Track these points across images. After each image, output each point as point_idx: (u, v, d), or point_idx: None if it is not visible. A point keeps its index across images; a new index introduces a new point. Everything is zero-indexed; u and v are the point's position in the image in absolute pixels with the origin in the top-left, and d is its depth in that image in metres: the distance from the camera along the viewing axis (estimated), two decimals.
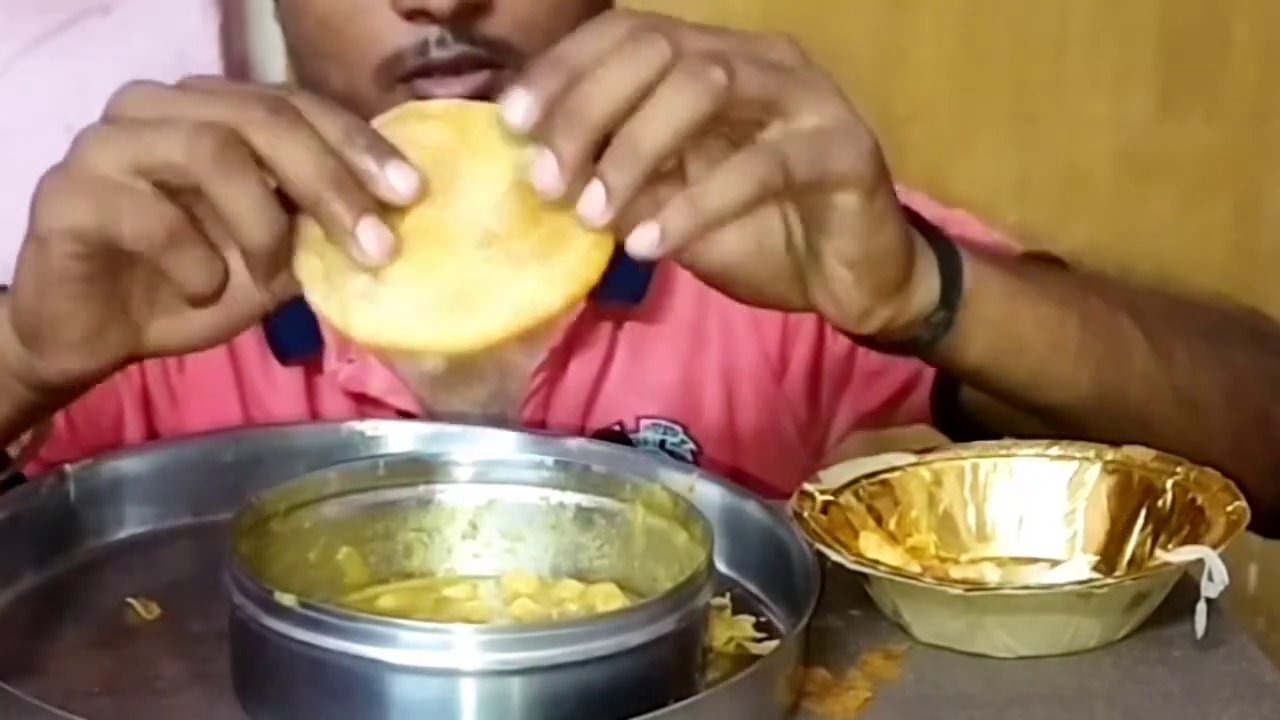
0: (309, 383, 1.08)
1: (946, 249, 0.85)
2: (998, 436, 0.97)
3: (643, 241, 0.74)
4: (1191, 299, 1.05)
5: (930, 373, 1.13)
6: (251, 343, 1.07)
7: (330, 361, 1.07)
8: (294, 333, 1.06)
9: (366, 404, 1.06)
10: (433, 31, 0.96)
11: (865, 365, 1.14)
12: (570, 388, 1.08)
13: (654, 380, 1.10)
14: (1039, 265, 1.06)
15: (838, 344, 1.13)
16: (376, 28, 0.97)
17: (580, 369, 1.09)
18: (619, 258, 1.02)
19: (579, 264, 0.75)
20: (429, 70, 0.96)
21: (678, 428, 1.10)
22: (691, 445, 1.10)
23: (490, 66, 0.97)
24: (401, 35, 0.96)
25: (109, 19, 1.75)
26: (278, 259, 0.73)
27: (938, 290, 0.84)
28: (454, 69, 0.96)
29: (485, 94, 0.95)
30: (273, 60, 1.89)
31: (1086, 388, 0.92)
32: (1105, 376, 0.92)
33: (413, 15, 0.96)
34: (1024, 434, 0.94)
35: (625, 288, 1.08)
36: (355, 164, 0.72)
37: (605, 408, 1.09)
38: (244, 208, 0.71)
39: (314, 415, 1.07)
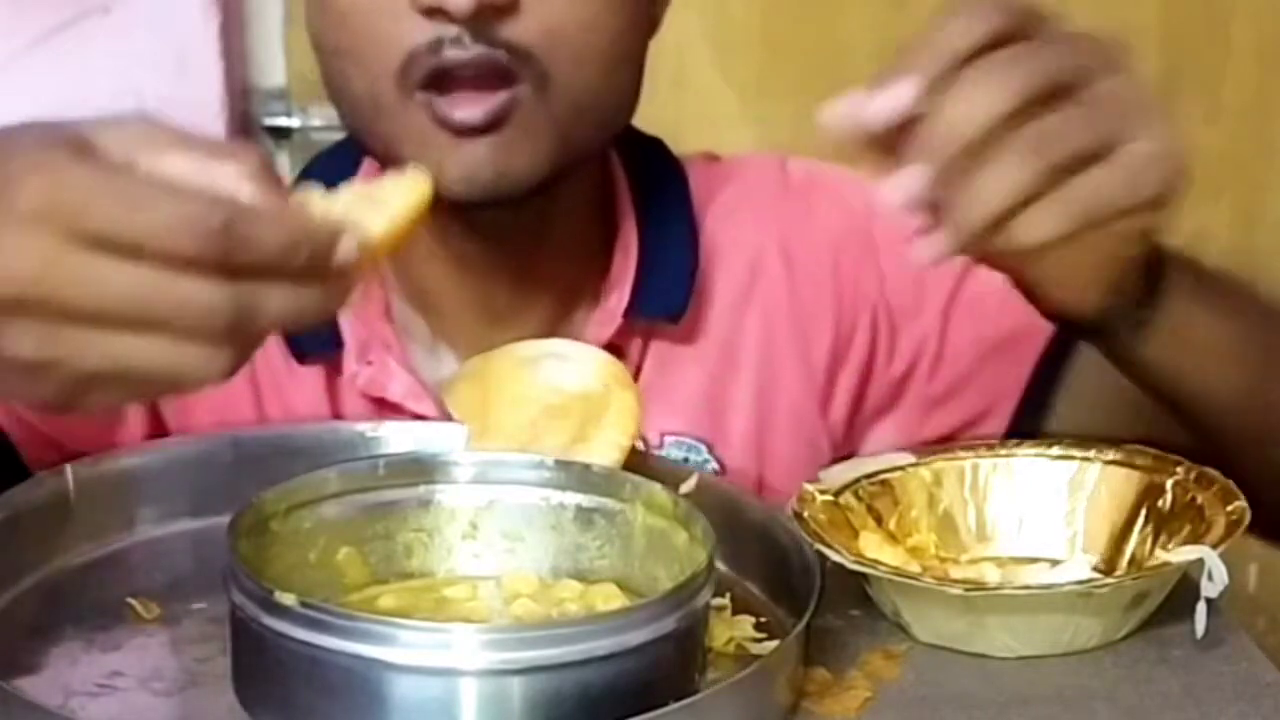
0: (330, 383, 1.05)
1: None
2: None
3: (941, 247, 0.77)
4: None
5: (1008, 405, 1.10)
6: (270, 340, 1.05)
7: (350, 364, 1.04)
8: (316, 338, 1.04)
9: (386, 409, 1.04)
10: (450, 30, 0.93)
11: (925, 394, 1.11)
12: None
13: (680, 396, 1.08)
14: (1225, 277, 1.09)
15: (889, 372, 1.10)
16: (397, 27, 0.95)
17: None
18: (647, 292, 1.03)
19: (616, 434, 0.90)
20: (444, 75, 0.94)
21: (702, 445, 1.07)
22: (714, 464, 1.07)
23: (508, 80, 0.94)
24: (419, 33, 0.94)
25: (109, 19, 1.76)
26: None
27: (1143, 288, 0.89)
28: (472, 82, 0.94)
29: (504, 116, 0.94)
30: (273, 60, 1.89)
31: (1244, 401, 0.93)
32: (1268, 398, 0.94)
33: (431, 13, 0.93)
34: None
35: (665, 306, 1.07)
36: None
37: None
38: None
39: (335, 416, 1.05)
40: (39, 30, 1.74)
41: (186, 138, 0.71)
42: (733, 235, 1.11)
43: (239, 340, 0.70)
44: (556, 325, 1.06)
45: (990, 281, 1.10)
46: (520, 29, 0.94)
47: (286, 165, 1.85)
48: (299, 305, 0.71)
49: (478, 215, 1.00)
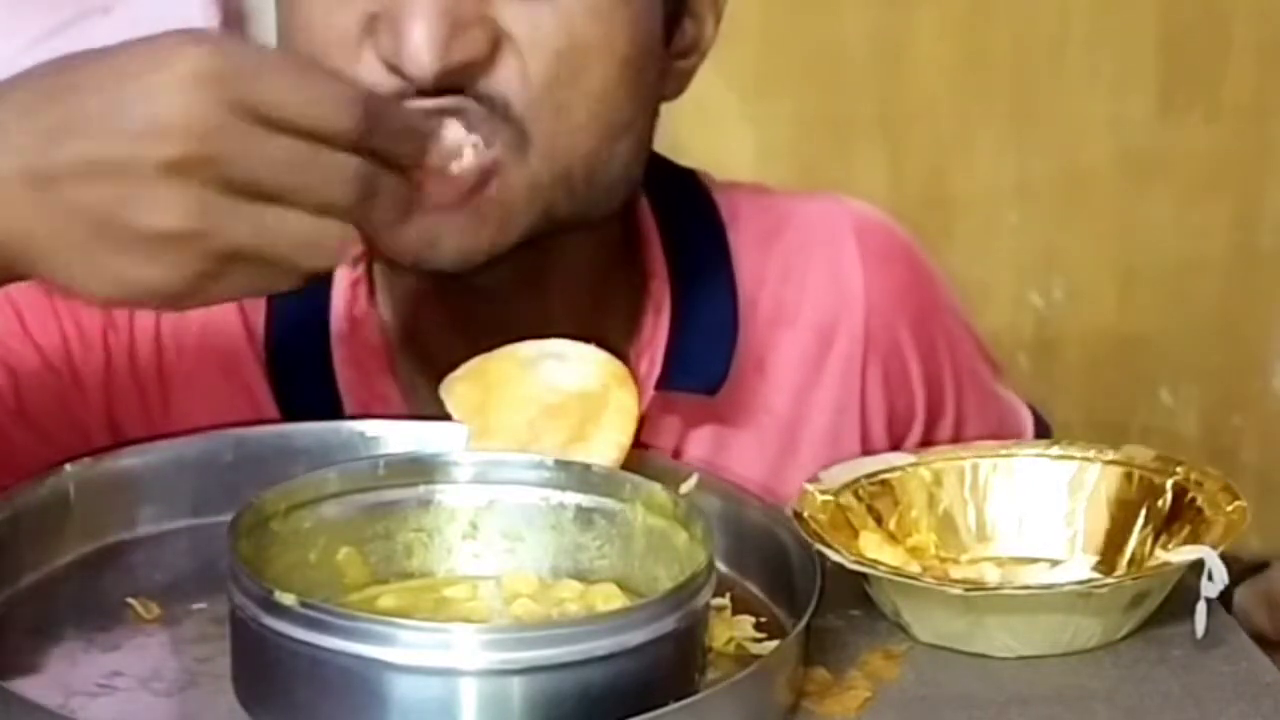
0: None
1: None
2: None
3: None
4: None
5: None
6: (265, 400, 1.00)
7: None
8: (313, 401, 0.99)
9: None
10: (411, 85, 0.85)
11: None
12: None
13: (733, 477, 0.97)
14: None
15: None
16: (355, 68, 0.86)
17: None
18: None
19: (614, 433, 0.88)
20: None
21: None
22: None
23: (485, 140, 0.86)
24: (382, 81, 0.85)
25: (109, 19, 1.76)
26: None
27: None
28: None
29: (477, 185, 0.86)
30: None
31: None
32: None
33: (393, 70, 0.85)
34: None
35: (696, 376, 0.99)
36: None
37: None
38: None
39: None
40: (39, 30, 1.74)
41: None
42: (797, 296, 1.04)
43: (359, 219, 0.74)
44: None
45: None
46: (495, 82, 0.86)
47: None
48: (406, 196, 0.76)
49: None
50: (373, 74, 0.86)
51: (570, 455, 0.87)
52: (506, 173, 0.87)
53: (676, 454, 1.01)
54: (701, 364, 1.00)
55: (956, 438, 1.09)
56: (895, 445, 1.06)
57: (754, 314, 1.02)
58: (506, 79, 0.86)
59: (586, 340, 0.93)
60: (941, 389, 1.09)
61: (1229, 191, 2.04)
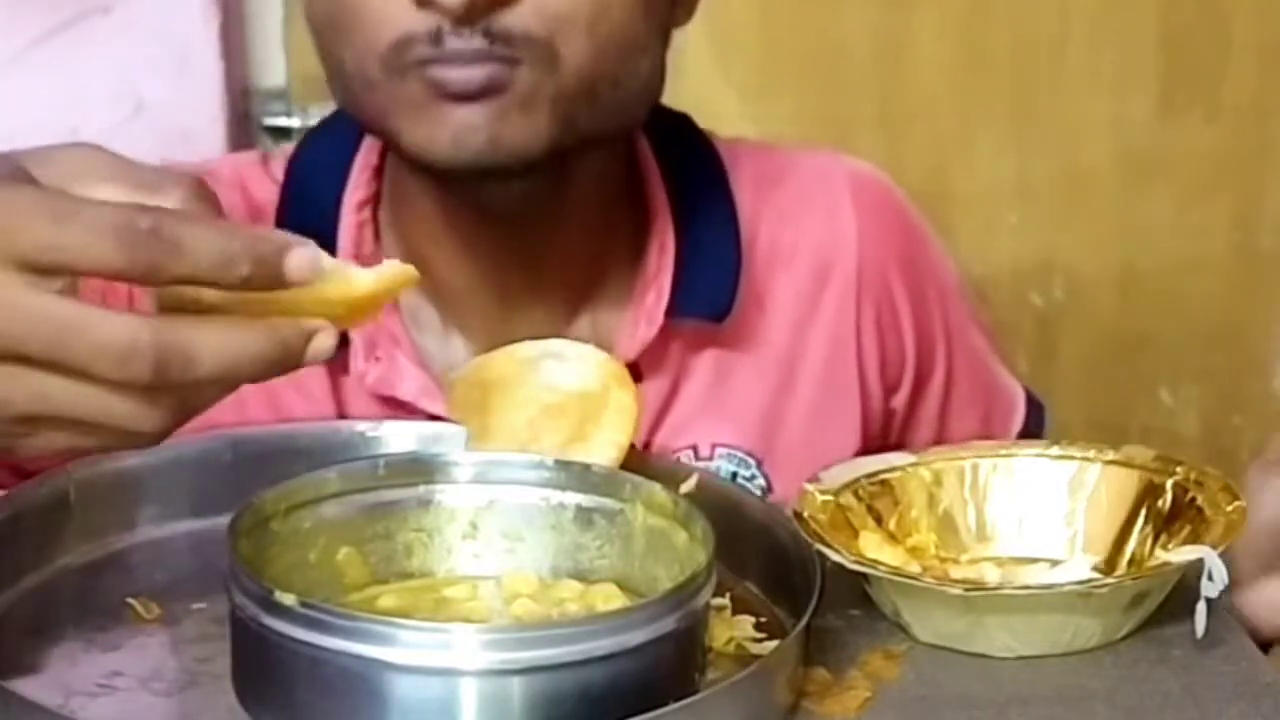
0: (335, 384, 1.03)
1: None
2: None
3: None
4: None
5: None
6: None
7: (358, 363, 1.01)
8: None
9: (396, 409, 1.01)
10: (446, 21, 0.89)
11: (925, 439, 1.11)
12: None
13: (735, 407, 1.05)
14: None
15: (915, 414, 1.11)
16: (387, 10, 0.90)
17: (648, 388, 1.02)
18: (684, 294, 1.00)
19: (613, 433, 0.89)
20: (442, 58, 0.90)
21: (752, 461, 1.04)
22: (762, 481, 1.05)
23: (511, 61, 0.90)
24: (414, 21, 0.90)
25: (109, 19, 1.76)
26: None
27: None
28: (471, 58, 0.90)
29: (504, 83, 0.90)
30: (273, 60, 1.89)
31: None
32: None
33: (424, 4, 0.90)
34: None
35: (709, 305, 1.03)
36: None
37: (675, 429, 1.04)
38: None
39: (342, 418, 1.02)
40: (39, 30, 1.74)
41: (124, 167, 0.68)
42: (794, 238, 1.08)
43: (172, 394, 0.65)
44: (578, 315, 1.03)
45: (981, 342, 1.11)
46: (519, 17, 0.90)
47: None
48: (240, 349, 0.65)
49: (479, 191, 0.97)
50: (404, 13, 0.90)
51: (570, 455, 0.87)
52: (533, 82, 0.91)
53: (678, 382, 1.04)
54: (708, 293, 1.03)
55: (946, 398, 1.11)
56: (888, 393, 1.09)
57: (753, 253, 1.06)
58: (523, 14, 0.89)
59: (594, 275, 0.98)
60: (932, 340, 1.12)
61: (1229, 191, 2.04)
